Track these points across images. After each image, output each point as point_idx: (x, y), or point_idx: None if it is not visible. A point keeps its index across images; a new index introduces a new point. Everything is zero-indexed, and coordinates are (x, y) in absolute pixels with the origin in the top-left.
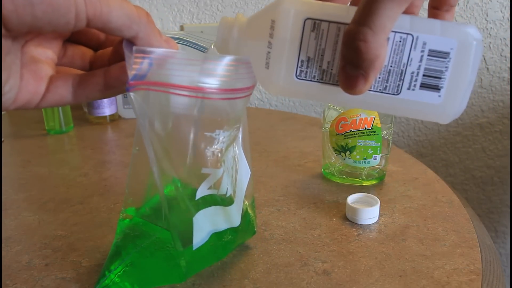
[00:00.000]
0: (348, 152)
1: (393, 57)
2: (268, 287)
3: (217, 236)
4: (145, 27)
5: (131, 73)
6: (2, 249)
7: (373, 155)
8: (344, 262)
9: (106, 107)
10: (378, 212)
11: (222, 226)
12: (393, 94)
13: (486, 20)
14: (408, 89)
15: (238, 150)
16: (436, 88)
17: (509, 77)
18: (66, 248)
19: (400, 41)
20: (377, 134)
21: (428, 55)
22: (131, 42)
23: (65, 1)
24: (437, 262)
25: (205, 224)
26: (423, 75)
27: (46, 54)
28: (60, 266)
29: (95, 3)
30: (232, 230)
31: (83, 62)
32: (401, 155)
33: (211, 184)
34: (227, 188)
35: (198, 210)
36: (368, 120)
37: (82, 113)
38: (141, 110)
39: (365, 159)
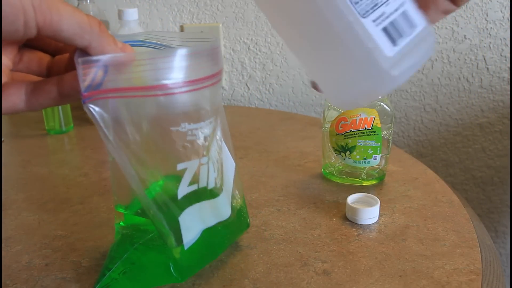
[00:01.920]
0: (348, 152)
1: None
2: (268, 287)
3: (209, 232)
4: (98, 36)
5: (83, 85)
6: (2, 249)
7: (373, 155)
8: (344, 262)
9: None
10: (378, 212)
11: (211, 221)
12: (359, 14)
13: (486, 20)
14: (374, 21)
15: (220, 143)
16: (393, 41)
17: (509, 77)
18: (66, 248)
19: None
20: (377, 134)
21: (401, 14)
22: (84, 51)
23: (13, 9)
24: (437, 262)
25: (193, 223)
26: (390, 22)
27: None
28: (60, 266)
29: (45, 11)
30: (224, 224)
31: (40, 67)
32: (401, 155)
33: (189, 179)
34: (207, 180)
35: (182, 209)
36: (368, 120)
37: (82, 113)
38: (102, 120)
39: (365, 159)
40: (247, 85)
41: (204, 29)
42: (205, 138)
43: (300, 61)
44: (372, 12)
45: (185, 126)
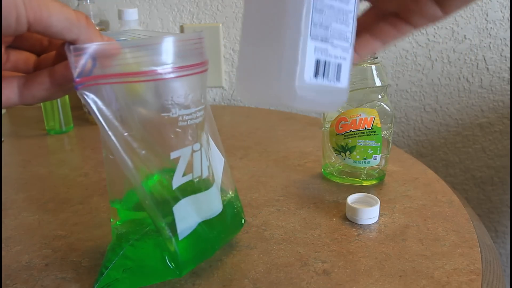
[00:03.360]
0: (348, 152)
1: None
2: (268, 287)
3: (203, 225)
4: (86, 29)
5: (75, 71)
6: (2, 249)
7: (373, 155)
8: (344, 262)
9: None
10: (378, 212)
11: (205, 214)
12: (311, 35)
13: (486, 20)
14: (315, 48)
15: (206, 136)
16: (316, 74)
17: (509, 77)
18: (66, 248)
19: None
20: (377, 134)
21: (337, 63)
22: (73, 45)
23: (6, 4)
24: (437, 262)
25: (188, 213)
26: (325, 60)
27: None
28: (60, 266)
29: (34, 8)
30: (218, 219)
31: (26, 66)
32: (401, 155)
33: (183, 168)
34: (202, 170)
35: (177, 200)
36: (368, 120)
37: (82, 113)
38: (97, 107)
39: (365, 159)
40: None
41: (204, 29)
42: (196, 125)
43: (240, 50)
44: (319, 41)
45: (175, 112)
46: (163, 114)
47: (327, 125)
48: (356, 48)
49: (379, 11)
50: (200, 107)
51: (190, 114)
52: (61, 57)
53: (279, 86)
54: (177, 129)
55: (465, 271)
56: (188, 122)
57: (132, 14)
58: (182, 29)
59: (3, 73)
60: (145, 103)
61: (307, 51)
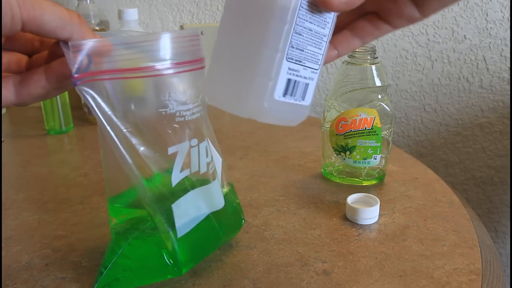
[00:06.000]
0: (348, 152)
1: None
2: (268, 287)
3: (202, 224)
4: (78, 27)
5: (74, 67)
6: (2, 249)
7: (373, 155)
8: (344, 262)
9: None
10: (378, 212)
11: (205, 209)
12: (287, 56)
13: (486, 20)
14: (289, 69)
15: (205, 132)
16: (285, 93)
17: (509, 77)
18: (66, 248)
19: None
20: (377, 134)
21: (305, 83)
22: (66, 43)
23: (2, 4)
24: (437, 262)
25: (187, 211)
26: (295, 80)
27: None
28: (60, 266)
29: (28, 7)
30: (217, 215)
31: (19, 67)
32: (401, 155)
33: (181, 163)
34: (200, 165)
35: (177, 197)
36: (368, 120)
37: (82, 113)
38: (95, 103)
39: (365, 159)
40: None
41: (204, 29)
42: (194, 121)
43: (215, 50)
44: (293, 63)
45: (173, 107)
46: (160, 110)
47: (327, 125)
48: (336, 45)
49: (359, 9)
50: (196, 103)
51: (188, 110)
52: (54, 57)
53: (248, 99)
54: (175, 125)
55: (465, 271)
56: (186, 118)
57: (132, 14)
58: (182, 29)
59: None
60: (143, 99)
61: (281, 71)
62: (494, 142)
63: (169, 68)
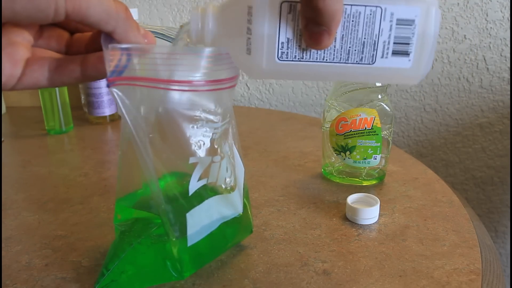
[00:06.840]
0: (348, 152)
1: (365, 30)
2: (268, 287)
3: (215, 231)
4: (123, 22)
5: (109, 70)
6: (2, 249)
7: (373, 155)
8: (344, 262)
9: (106, 107)
10: (378, 212)
11: (218, 220)
12: (369, 64)
13: (486, 20)
14: (382, 57)
15: (231, 145)
16: (406, 54)
17: (509, 77)
18: (66, 248)
19: (370, 14)
20: (377, 134)
21: (397, 24)
22: (109, 35)
23: None
24: (437, 262)
25: (202, 220)
26: (394, 43)
27: (22, 36)
28: (60, 266)
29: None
30: (230, 223)
31: (59, 44)
32: (401, 155)
33: (200, 173)
34: (218, 177)
35: (192, 206)
36: (368, 120)
37: (82, 113)
38: (124, 106)
39: (365, 159)
40: (247, 85)
41: None
42: (219, 139)
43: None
44: (376, 54)
45: (202, 125)
46: (190, 125)
47: (327, 125)
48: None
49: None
50: (225, 120)
51: (216, 128)
52: (95, 43)
53: (251, 62)
54: (200, 140)
55: (465, 271)
56: (212, 136)
57: (132, 14)
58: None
59: (36, 51)
60: (174, 111)
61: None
62: (494, 142)
63: (205, 85)
